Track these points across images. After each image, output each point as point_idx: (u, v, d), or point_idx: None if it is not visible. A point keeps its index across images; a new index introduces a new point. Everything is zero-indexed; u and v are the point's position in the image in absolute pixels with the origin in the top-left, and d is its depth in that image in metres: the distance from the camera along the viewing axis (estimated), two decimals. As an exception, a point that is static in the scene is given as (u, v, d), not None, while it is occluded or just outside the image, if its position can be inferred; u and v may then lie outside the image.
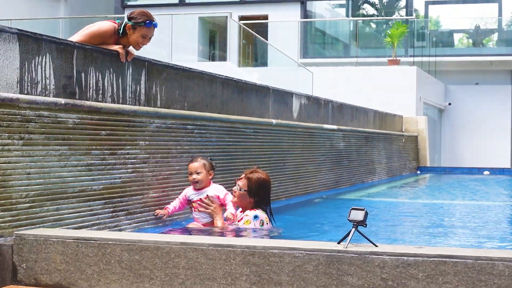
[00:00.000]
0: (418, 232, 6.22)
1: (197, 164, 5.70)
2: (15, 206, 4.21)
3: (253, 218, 5.31)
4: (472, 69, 23.17)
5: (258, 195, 5.39)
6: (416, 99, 18.04)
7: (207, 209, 5.59)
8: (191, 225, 5.67)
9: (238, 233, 5.26)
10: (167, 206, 5.75)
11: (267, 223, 5.35)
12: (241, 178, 5.47)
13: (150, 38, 5.56)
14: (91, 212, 4.93)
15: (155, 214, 5.66)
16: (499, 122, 22.76)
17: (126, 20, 5.52)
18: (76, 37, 5.30)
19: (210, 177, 5.76)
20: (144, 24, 5.48)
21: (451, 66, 22.88)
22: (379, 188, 11.73)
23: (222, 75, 7.25)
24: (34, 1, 20.57)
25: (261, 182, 5.40)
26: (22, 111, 4.29)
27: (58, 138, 4.60)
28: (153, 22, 5.52)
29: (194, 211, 5.69)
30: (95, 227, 4.94)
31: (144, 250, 3.76)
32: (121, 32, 5.45)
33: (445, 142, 23.11)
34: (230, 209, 5.59)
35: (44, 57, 4.54)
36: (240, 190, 5.43)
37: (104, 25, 5.47)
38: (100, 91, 5.15)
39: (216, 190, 5.72)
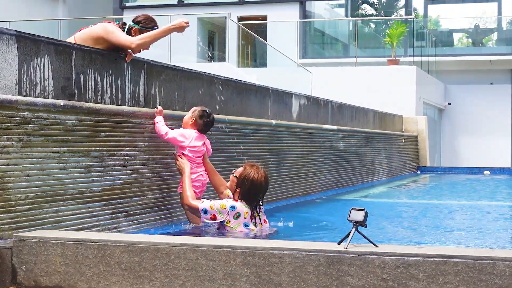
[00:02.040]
0: (418, 232, 6.21)
1: (193, 107, 5.92)
2: (15, 208, 4.20)
3: (229, 207, 5.32)
4: (472, 69, 23.17)
5: (243, 188, 5.40)
6: (416, 99, 18.04)
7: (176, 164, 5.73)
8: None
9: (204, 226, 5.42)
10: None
11: (245, 218, 5.33)
12: (242, 165, 5.56)
13: None
14: (91, 213, 4.92)
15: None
16: (499, 122, 22.76)
17: (131, 23, 5.56)
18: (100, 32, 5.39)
19: (190, 123, 5.81)
20: (152, 30, 5.56)
21: (450, 65, 22.88)
22: (379, 189, 11.72)
23: (221, 76, 7.24)
24: (32, 2, 20.57)
25: (252, 179, 5.41)
26: (21, 113, 4.28)
27: (57, 139, 4.59)
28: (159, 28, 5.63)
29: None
30: (95, 228, 4.93)
31: (144, 252, 3.75)
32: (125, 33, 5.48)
33: (445, 142, 23.10)
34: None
35: (42, 58, 4.53)
36: (232, 174, 5.53)
37: (114, 26, 5.49)
38: (99, 93, 5.14)
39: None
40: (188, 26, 5.68)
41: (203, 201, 5.42)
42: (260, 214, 5.47)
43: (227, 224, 5.30)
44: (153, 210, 5.69)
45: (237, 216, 5.32)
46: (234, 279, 3.61)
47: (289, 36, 20.93)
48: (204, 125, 5.83)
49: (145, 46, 5.55)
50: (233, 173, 5.55)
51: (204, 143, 5.85)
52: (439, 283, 3.35)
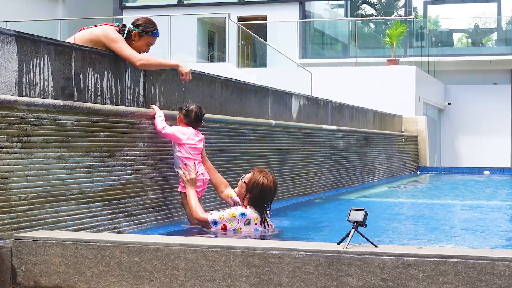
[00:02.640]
0: (418, 232, 6.21)
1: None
2: (14, 208, 4.20)
3: (239, 214, 5.32)
4: (471, 69, 23.17)
5: (252, 194, 5.40)
6: (416, 99, 18.04)
7: (185, 176, 5.66)
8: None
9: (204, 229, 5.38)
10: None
11: (255, 223, 5.35)
12: (251, 171, 5.55)
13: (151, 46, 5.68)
14: (90, 214, 4.92)
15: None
16: (499, 122, 22.76)
17: (131, 26, 5.56)
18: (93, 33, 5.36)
19: (178, 121, 5.81)
20: (152, 34, 5.57)
21: (450, 65, 22.88)
22: (379, 189, 11.71)
23: (221, 76, 7.25)
24: (32, 3, 20.56)
25: (261, 184, 5.40)
26: (21, 113, 4.28)
27: (56, 140, 4.59)
28: (158, 32, 5.62)
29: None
30: (94, 229, 4.93)
31: (144, 252, 3.75)
32: (124, 37, 5.48)
33: (445, 142, 23.10)
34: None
35: (42, 58, 4.53)
36: (241, 180, 5.51)
37: (116, 32, 5.47)
38: (99, 93, 5.14)
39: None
40: (189, 78, 5.77)
41: (211, 213, 5.42)
42: (268, 219, 5.48)
43: (239, 231, 5.31)
44: (153, 211, 5.69)
45: (248, 222, 5.33)
46: (233, 279, 3.61)
47: (289, 36, 20.94)
48: (185, 116, 5.74)
49: (148, 68, 5.58)
50: (241, 179, 5.54)
51: (201, 140, 5.83)
52: (438, 283, 3.35)
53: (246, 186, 5.45)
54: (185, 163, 5.66)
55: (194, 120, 5.76)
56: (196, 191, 5.65)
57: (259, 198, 5.40)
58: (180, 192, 5.76)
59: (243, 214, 5.33)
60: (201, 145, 5.78)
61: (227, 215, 5.33)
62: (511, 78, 23.37)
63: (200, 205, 5.55)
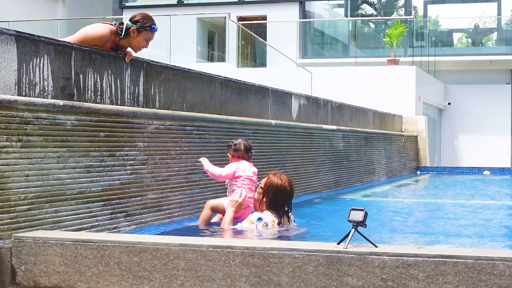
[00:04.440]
0: (418, 232, 6.21)
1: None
2: (14, 208, 4.20)
3: (256, 219, 5.44)
4: (471, 69, 23.16)
5: (268, 197, 5.50)
6: (416, 99, 18.03)
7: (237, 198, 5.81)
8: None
9: (238, 233, 5.41)
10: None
11: (273, 226, 5.39)
12: (266, 176, 5.66)
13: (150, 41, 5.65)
14: (90, 214, 4.92)
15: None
16: (499, 122, 22.75)
17: (129, 23, 5.55)
18: (70, 38, 5.28)
19: (230, 156, 6.08)
20: (150, 29, 5.56)
21: (450, 65, 22.87)
22: (378, 189, 11.71)
23: (221, 76, 7.24)
24: (32, 3, 20.55)
25: (275, 185, 5.51)
26: (20, 113, 4.28)
27: (56, 140, 4.59)
28: (156, 27, 5.62)
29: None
30: (94, 229, 4.93)
31: (143, 252, 3.75)
32: (123, 34, 5.46)
33: (445, 142, 23.09)
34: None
35: (42, 58, 4.53)
36: (259, 186, 5.63)
37: (100, 28, 5.44)
38: (99, 93, 5.14)
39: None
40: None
41: (234, 227, 5.56)
42: (289, 221, 5.56)
43: None
44: (153, 210, 5.69)
45: (266, 225, 5.42)
46: (233, 279, 3.61)
47: (288, 36, 20.93)
48: (235, 150, 6.02)
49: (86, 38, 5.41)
50: (258, 185, 5.65)
51: (255, 173, 6.03)
52: (438, 283, 3.35)
53: (263, 191, 5.53)
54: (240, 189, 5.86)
55: (245, 151, 6.02)
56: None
57: (276, 199, 5.52)
58: (226, 196, 5.92)
59: (260, 219, 5.45)
60: (255, 178, 5.98)
61: (245, 224, 5.47)
62: (511, 78, 23.36)
63: (231, 223, 5.67)
